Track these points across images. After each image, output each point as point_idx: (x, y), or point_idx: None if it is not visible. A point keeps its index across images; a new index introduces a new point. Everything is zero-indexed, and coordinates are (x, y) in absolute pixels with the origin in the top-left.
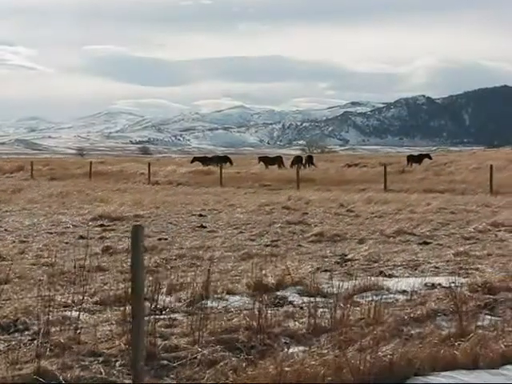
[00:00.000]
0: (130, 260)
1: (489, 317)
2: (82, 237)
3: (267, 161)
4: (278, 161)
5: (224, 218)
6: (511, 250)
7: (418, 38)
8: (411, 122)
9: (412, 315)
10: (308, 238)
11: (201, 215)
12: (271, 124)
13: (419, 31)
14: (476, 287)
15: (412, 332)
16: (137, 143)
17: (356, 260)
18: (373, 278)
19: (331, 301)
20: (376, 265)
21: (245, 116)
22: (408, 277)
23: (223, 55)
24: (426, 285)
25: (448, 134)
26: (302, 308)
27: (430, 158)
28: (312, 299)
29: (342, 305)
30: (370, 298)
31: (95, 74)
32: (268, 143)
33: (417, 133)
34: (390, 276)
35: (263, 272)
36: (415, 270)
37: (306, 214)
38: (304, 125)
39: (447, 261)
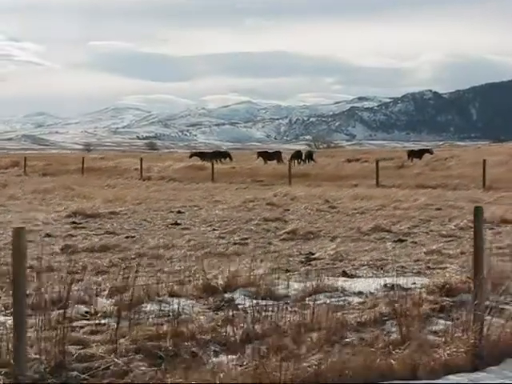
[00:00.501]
0: (86, 259)
1: (441, 321)
2: (48, 235)
3: (266, 156)
4: (276, 156)
5: (202, 214)
6: (486, 247)
7: (424, 32)
8: (418, 116)
9: (359, 319)
10: (280, 236)
11: (179, 212)
12: (278, 119)
13: (426, 26)
14: (435, 288)
15: (352, 338)
16: (143, 138)
17: (322, 259)
18: (332, 279)
19: (281, 303)
20: (341, 264)
21: (252, 111)
22: (371, 277)
23: (229, 50)
24: (385, 286)
25: (455, 128)
26: (245, 311)
27: (431, 152)
28: (260, 302)
29: (289, 308)
30: (322, 301)
31: (102, 70)
32: (275, 138)
33: (424, 128)
34: (352, 276)
35: (214, 272)
36: (381, 269)
37: (288, 210)
38: (311, 120)
39: (417, 260)
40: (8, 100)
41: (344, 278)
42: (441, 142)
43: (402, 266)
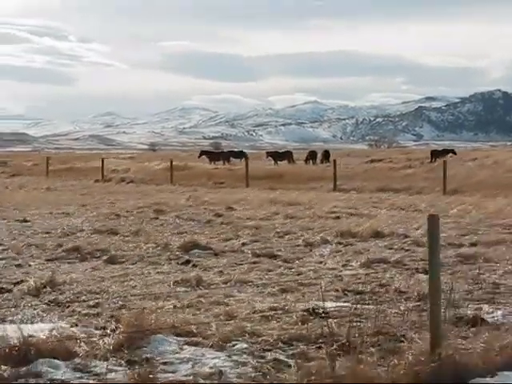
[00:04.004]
0: None
1: None
2: None
3: (276, 156)
4: (287, 156)
5: (45, 224)
6: (272, 276)
7: (496, 31)
8: (487, 116)
9: None
10: (58, 254)
11: (25, 220)
12: (344, 119)
13: (497, 24)
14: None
15: None
16: (209, 138)
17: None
18: None
19: None
20: (40, 297)
21: (318, 111)
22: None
23: (297, 51)
24: None
25: None
26: None
27: (455, 153)
28: None
29: None
30: None
31: (170, 70)
32: (341, 138)
33: (492, 128)
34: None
35: None
36: (67, 308)
37: (157, 218)
38: (377, 120)
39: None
40: (77, 100)
41: None
42: (510, 143)
43: (97, 304)
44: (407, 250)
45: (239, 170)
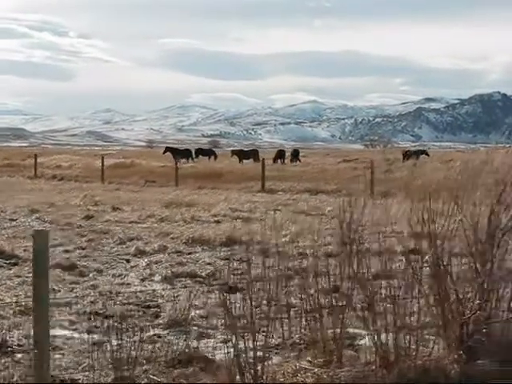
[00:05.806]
0: None
1: None
2: None
3: (241, 155)
4: (252, 154)
5: None
6: None
7: (495, 33)
8: (486, 118)
9: None
10: None
11: None
12: (344, 119)
13: (497, 27)
14: None
15: None
16: (208, 136)
17: None
18: None
19: None
20: None
21: (318, 111)
22: None
23: (298, 50)
24: None
25: None
26: None
27: (428, 154)
28: None
29: None
30: None
31: (170, 68)
32: (340, 138)
33: (491, 130)
34: None
35: None
36: None
37: (15, 220)
38: (376, 120)
39: None
40: (76, 97)
41: None
42: (508, 145)
43: None
44: (243, 262)
45: (186, 169)
